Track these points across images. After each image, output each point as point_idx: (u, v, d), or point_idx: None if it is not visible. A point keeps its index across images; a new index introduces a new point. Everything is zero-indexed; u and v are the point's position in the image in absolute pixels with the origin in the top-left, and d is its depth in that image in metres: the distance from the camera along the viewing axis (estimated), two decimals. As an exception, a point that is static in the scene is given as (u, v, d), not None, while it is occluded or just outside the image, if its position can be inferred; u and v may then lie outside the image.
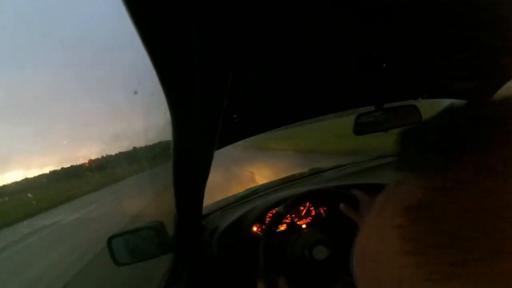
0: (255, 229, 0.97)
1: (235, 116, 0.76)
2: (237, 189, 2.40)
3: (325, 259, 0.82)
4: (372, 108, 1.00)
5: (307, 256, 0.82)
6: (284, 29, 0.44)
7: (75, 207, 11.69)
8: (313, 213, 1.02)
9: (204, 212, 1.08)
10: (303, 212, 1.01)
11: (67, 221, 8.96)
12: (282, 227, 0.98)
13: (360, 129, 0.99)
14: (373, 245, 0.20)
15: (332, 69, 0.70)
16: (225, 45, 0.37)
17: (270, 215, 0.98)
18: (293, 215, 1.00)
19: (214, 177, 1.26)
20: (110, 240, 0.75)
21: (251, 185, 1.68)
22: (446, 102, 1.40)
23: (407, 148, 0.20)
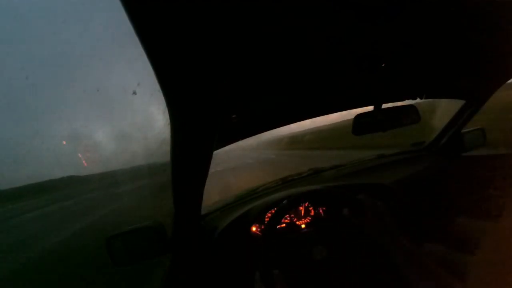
0: (254, 229, 0.97)
1: (235, 116, 0.76)
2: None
3: (324, 259, 0.82)
4: (371, 108, 1.00)
5: (306, 255, 0.82)
6: (284, 29, 0.44)
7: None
8: (312, 213, 1.02)
9: (203, 212, 1.07)
10: (302, 212, 1.01)
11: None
12: (282, 227, 0.98)
13: (359, 129, 0.98)
14: None
15: (331, 69, 0.70)
16: (224, 45, 0.37)
17: (269, 215, 0.97)
18: (292, 215, 1.00)
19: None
20: (108, 241, 0.74)
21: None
22: (444, 102, 1.40)
23: None
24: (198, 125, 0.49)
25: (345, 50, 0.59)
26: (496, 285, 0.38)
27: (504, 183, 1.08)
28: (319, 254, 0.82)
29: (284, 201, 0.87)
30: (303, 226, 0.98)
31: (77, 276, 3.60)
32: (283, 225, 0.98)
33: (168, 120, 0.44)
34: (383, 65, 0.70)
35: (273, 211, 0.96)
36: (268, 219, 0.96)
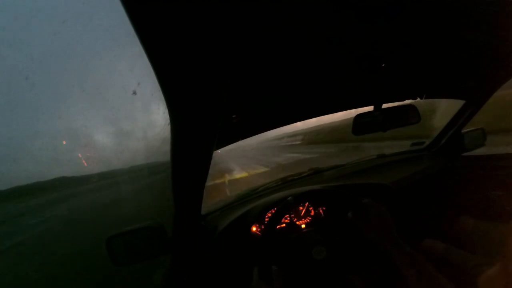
0: (254, 229, 0.97)
1: (235, 116, 0.76)
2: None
3: (324, 259, 0.82)
4: (371, 108, 1.00)
5: (306, 256, 0.82)
6: (284, 29, 0.44)
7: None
8: (312, 213, 1.02)
9: (203, 212, 1.07)
10: (303, 212, 1.01)
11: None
12: (281, 227, 0.98)
13: (359, 129, 0.98)
14: None
15: (331, 70, 0.70)
16: (224, 45, 0.37)
17: (269, 215, 0.97)
18: (292, 215, 1.00)
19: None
20: (109, 241, 0.74)
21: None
22: (444, 102, 1.40)
23: None
24: (198, 125, 0.49)
25: (345, 50, 0.59)
26: (496, 285, 0.38)
27: (504, 183, 1.08)
28: (319, 254, 0.82)
29: (289, 198, 0.87)
30: (303, 226, 0.98)
31: (76, 276, 3.60)
32: (283, 225, 0.98)
33: (168, 120, 0.44)
34: (383, 65, 0.70)
35: (273, 211, 0.96)
36: (268, 219, 0.96)
